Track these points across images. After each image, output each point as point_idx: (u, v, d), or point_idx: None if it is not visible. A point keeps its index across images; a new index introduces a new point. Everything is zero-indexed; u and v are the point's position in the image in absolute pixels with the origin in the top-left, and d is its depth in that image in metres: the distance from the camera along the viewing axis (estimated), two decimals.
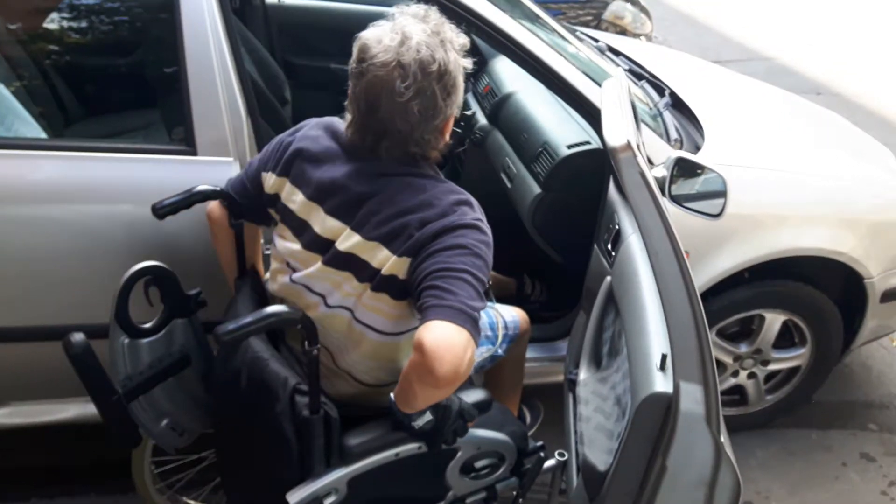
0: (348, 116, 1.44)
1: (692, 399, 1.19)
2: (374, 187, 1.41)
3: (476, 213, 1.39)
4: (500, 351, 1.87)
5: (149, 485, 1.97)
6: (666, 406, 1.23)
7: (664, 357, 1.27)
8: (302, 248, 1.47)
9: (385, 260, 1.37)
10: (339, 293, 1.44)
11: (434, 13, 1.40)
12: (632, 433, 1.29)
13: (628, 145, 1.24)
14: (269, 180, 1.54)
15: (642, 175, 1.24)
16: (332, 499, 1.39)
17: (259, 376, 1.42)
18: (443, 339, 1.19)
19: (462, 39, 1.41)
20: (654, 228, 1.24)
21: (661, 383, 1.25)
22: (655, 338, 1.33)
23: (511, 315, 1.93)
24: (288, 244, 1.50)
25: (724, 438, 1.24)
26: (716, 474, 1.25)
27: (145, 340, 1.62)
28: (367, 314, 1.43)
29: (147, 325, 1.62)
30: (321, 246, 1.44)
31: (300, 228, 1.48)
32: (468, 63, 1.41)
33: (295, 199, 1.48)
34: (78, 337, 1.46)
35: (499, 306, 1.94)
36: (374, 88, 1.34)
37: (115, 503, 2.23)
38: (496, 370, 1.93)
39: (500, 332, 1.85)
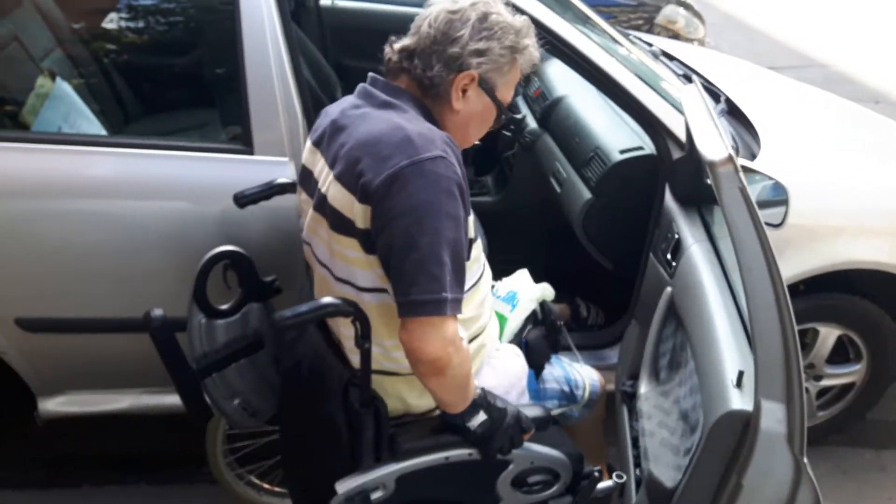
0: None
1: (774, 418, 1.18)
2: (352, 116, 1.37)
3: (436, 149, 1.26)
4: (575, 413, 1.78)
5: (219, 458, 2.03)
6: (743, 424, 1.21)
7: (741, 374, 1.25)
8: (306, 197, 1.47)
9: (342, 200, 1.31)
10: (322, 245, 1.41)
11: (528, 23, 1.41)
12: (705, 450, 1.28)
13: (729, 158, 1.22)
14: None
15: (742, 190, 1.21)
16: (379, 493, 1.40)
17: (317, 367, 1.45)
18: (417, 338, 1.23)
19: (535, 55, 1.41)
20: (749, 244, 1.21)
21: (739, 401, 1.24)
22: (728, 352, 1.31)
23: (590, 377, 1.82)
24: (302, 197, 1.50)
25: (805, 459, 1.22)
26: (794, 494, 1.23)
27: (221, 321, 1.66)
28: (341, 265, 1.38)
29: (224, 307, 1.67)
30: (312, 188, 1.43)
31: (305, 177, 1.48)
32: (527, 67, 1.40)
33: (307, 143, 1.49)
34: (157, 312, 1.52)
35: (579, 366, 1.84)
36: (428, 9, 1.37)
37: (163, 493, 2.28)
38: (572, 434, 1.75)
39: (579, 393, 1.76)
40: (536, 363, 1.70)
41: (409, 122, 1.31)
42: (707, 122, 1.36)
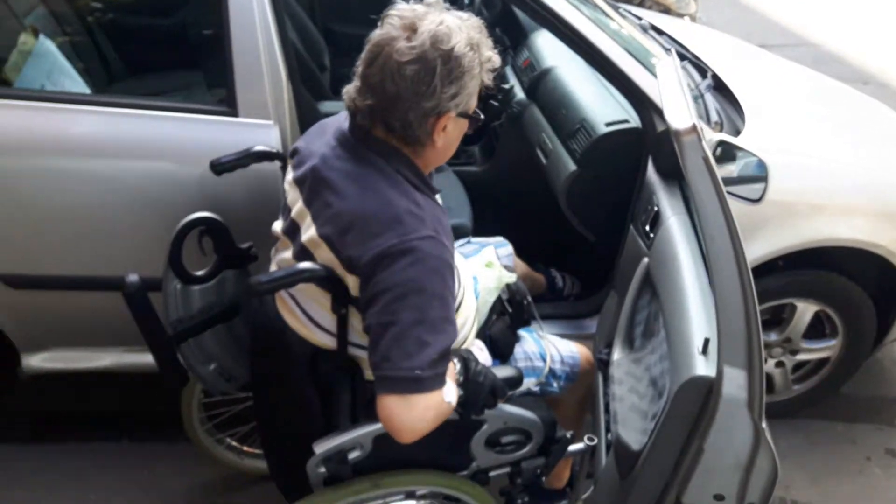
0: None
1: (735, 384, 1.20)
2: (336, 170, 1.34)
3: (425, 229, 1.27)
4: (554, 386, 1.78)
5: (196, 425, 2.05)
6: (707, 390, 1.24)
7: (707, 341, 1.27)
8: (281, 231, 1.46)
9: (329, 260, 1.31)
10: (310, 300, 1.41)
11: (480, 22, 1.35)
12: (669, 415, 1.30)
13: (693, 128, 1.23)
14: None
15: (706, 160, 1.23)
16: (356, 453, 1.43)
17: (280, 337, 1.45)
18: (388, 416, 1.23)
19: (495, 60, 1.35)
20: (712, 213, 1.23)
21: (703, 367, 1.26)
22: (697, 321, 1.33)
23: (569, 350, 1.82)
24: (277, 221, 1.49)
25: (764, 425, 1.25)
26: (753, 459, 1.26)
27: (197, 287, 1.67)
28: (312, 306, 1.40)
29: (200, 273, 1.67)
30: (292, 232, 1.41)
31: (285, 209, 1.46)
32: (488, 79, 1.35)
33: (288, 175, 1.47)
34: (133, 277, 1.52)
35: (556, 340, 1.84)
36: (380, 41, 1.27)
37: (145, 450, 2.31)
38: (554, 408, 1.76)
39: (549, 365, 1.76)
40: (502, 353, 1.72)
41: (398, 193, 1.30)
42: (677, 93, 1.37)
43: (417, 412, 1.23)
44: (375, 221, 1.26)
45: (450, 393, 1.29)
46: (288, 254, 1.42)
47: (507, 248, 2.06)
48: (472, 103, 1.36)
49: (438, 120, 1.31)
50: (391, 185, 1.31)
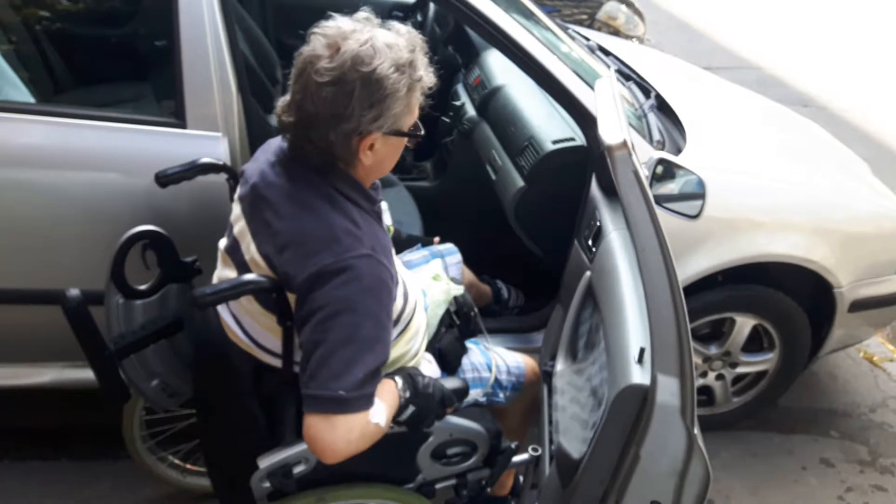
0: None
1: (668, 392, 1.23)
2: (274, 187, 1.33)
3: (362, 248, 1.26)
4: (500, 397, 1.79)
5: (137, 443, 2.01)
6: (642, 397, 1.27)
7: (642, 350, 1.31)
8: (224, 249, 1.45)
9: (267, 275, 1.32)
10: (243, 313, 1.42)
11: (418, 40, 1.31)
12: (607, 423, 1.33)
13: (624, 144, 1.28)
14: None
15: (636, 173, 1.28)
16: (301, 468, 1.42)
17: (223, 351, 1.45)
18: (313, 435, 1.23)
19: (428, 80, 1.32)
20: (643, 226, 1.28)
21: (639, 375, 1.29)
22: (634, 332, 1.37)
23: (515, 361, 1.83)
24: (223, 238, 1.48)
25: (696, 431, 1.29)
26: (687, 465, 1.29)
27: (140, 301, 1.65)
28: (255, 328, 1.41)
29: (142, 288, 1.65)
30: (234, 250, 1.40)
31: (229, 226, 1.45)
32: (421, 98, 1.33)
33: (236, 193, 1.46)
34: (74, 292, 1.50)
35: (502, 351, 1.86)
36: (306, 57, 1.26)
37: (85, 467, 2.25)
38: (499, 419, 1.77)
39: (496, 375, 1.77)
40: (451, 365, 1.73)
41: (334, 210, 1.29)
42: (611, 110, 1.42)
43: (340, 433, 1.23)
44: (312, 240, 1.26)
45: (378, 414, 1.28)
46: (230, 272, 1.41)
47: (455, 256, 2.08)
48: (405, 122, 1.33)
49: (362, 141, 1.29)
50: (327, 203, 1.30)
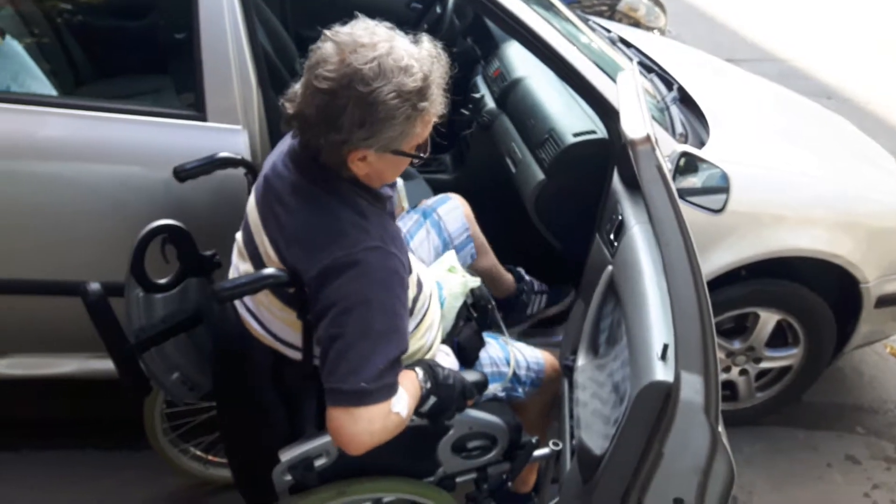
0: None
1: (692, 389, 1.22)
2: (284, 180, 1.33)
3: (371, 240, 1.25)
4: (519, 392, 1.77)
5: (159, 435, 2.02)
6: (665, 394, 1.25)
7: (665, 347, 1.29)
8: (242, 242, 1.45)
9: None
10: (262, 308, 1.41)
11: (437, 67, 1.25)
12: (630, 419, 1.32)
13: (647, 138, 1.26)
14: None
15: (659, 168, 1.26)
16: (322, 461, 1.42)
17: (243, 345, 1.45)
18: (336, 428, 1.25)
19: (435, 109, 1.26)
20: (666, 220, 1.26)
21: (662, 372, 1.28)
22: (657, 327, 1.35)
23: (534, 357, 1.81)
24: (240, 231, 1.48)
25: (721, 429, 1.27)
26: (711, 463, 1.28)
27: (160, 295, 1.65)
28: (273, 322, 1.41)
29: (162, 281, 1.65)
30: (249, 242, 1.40)
31: (245, 218, 1.45)
32: (425, 126, 1.28)
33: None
34: (94, 286, 1.50)
35: (521, 346, 1.83)
36: (315, 56, 1.23)
37: (107, 458, 2.27)
38: (519, 414, 1.73)
39: (513, 371, 1.75)
40: (469, 359, 1.72)
41: (342, 203, 1.28)
42: (633, 103, 1.40)
43: (362, 425, 1.24)
44: (320, 234, 1.26)
45: (399, 403, 1.29)
46: (245, 264, 1.41)
47: (449, 204, 2.06)
48: (404, 144, 1.28)
49: (351, 153, 1.25)
50: (334, 196, 1.30)
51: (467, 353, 1.71)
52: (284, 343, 1.42)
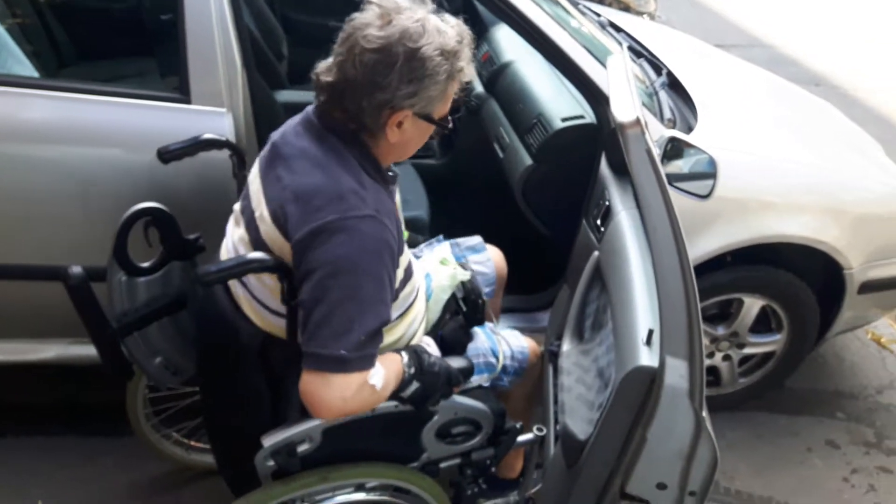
0: None
1: (677, 374, 1.22)
2: (293, 147, 1.35)
3: (366, 208, 1.27)
4: (504, 381, 1.77)
5: (141, 420, 2.01)
6: (650, 379, 1.26)
7: (651, 332, 1.30)
8: (239, 209, 1.45)
9: (273, 237, 1.31)
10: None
11: (467, 34, 1.33)
12: (614, 404, 1.32)
13: (637, 122, 1.25)
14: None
15: (648, 152, 1.26)
16: (305, 446, 1.42)
17: (228, 328, 1.44)
18: (309, 391, 1.25)
19: (468, 73, 1.35)
20: (654, 205, 1.26)
21: (647, 357, 1.28)
22: (642, 313, 1.36)
23: (519, 345, 1.81)
24: (237, 203, 1.48)
25: (705, 414, 1.28)
26: (694, 448, 1.29)
27: (142, 279, 1.64)
28: (260, 290, 1.40)
29: (145, 265, 1.64)
30: (247, 207, 1.40)
31: (246, 186, 1.45)
32: (457, 90, 1.35)
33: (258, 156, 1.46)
34: (76, 269, 1.49)
35: (507, 333, 1.83)
36: (356, 23, 1.28)
37: (90, 444, 2.26)
38: (503, 401, 1.73)
39: (503, 362, 1.75)
40: (453, 353, 1.67)
41: (345, 171, 1.30)
42: (623, 87, 1.39)
43: (335, 391, 1.24)
44: (318, 196, 1.27)
45: (376, 377, 1.30)
46: (241, 230, 1.41)
47: (482, 255, 2.00)
48: (438, 109, 1.35)
49: (393, 115, 1.31)
50: (340, 164, 1.31)
51: (451, 347, 1.69)
52: (271, 310, 1.40)
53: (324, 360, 1.23)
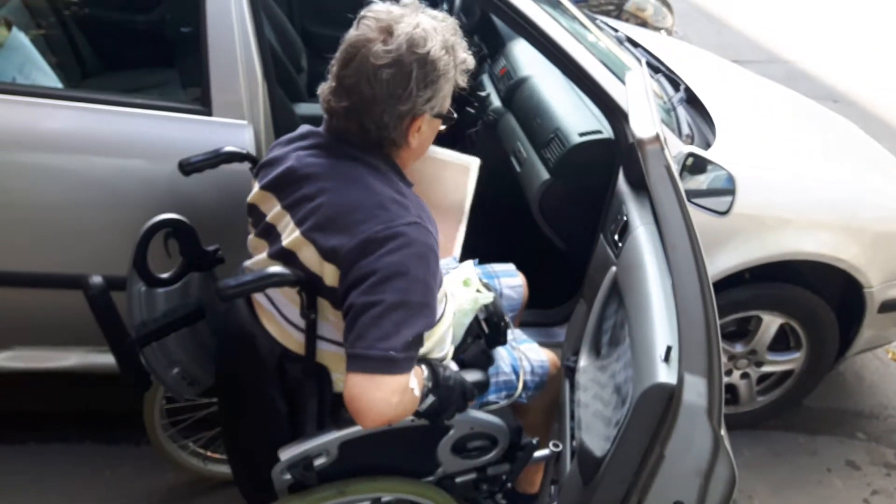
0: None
1: (695, 392, 1.21)
2: (317, 166, 1.35)
3: (409, 215, 1.28)
4: (522, 397, 1.75)
5: (158, 430, 2.02)
6: (668, 397, 1.25)
7: (669, 349, 1.29)
8: (255, 236, 1.45)
9: (311, 258, 1.30)
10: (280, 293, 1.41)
11: (455, 24, 1.36)
12: (632, 421, 1.31)
13: (657, 138, 1.25)
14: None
15: (668, 168, 1.25)
16: (322, 460, 1.42)
17: (247, 341, 1.45)
18: (357, 395, 1.21)
19: (470, 62, 1.38)
20: (673, 221, 1.26)
21: (665, 374, 1.27)
22: (661, 329, 1.35)
23: (539, 360, 1.80)
24: (249, 235, 1.48)
25: (723, 432, 1.26)
26: (712, 466, 1.27)
27: (162, 290, 1.65)
28: (285, 304, 1.39)
29: (165, 276, 1.65)
30: (267, 234, 1.41)
31: (256, 219, 1.45)
32: (463, 80, 1.38)
33: (255, 188, 1.46)
34: (96, 279, 1.50)
35: (527, 347, 1.82)
36: (356, 42, 1.28)
37: (107, 452, 2.27)
38: (520, 415, 1.76)
39: (523, 378, 1.74)
40: None
41: (380, 181, 1.32)
42: (643, 103, 1.39)
43: (384, 394, 1.21)
44: (360, 209, 1.27)
45: (414, 381, 1.28)
46: (263, 255, 1.41)
47: (514, 279, 1.99)
48: (447, 104, 1.39)
49: (413, 122, 1.33)
50: (373, 175, 1.32)
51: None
52: (294, 325, 1.40)
53: (372, 360, 1.21)
